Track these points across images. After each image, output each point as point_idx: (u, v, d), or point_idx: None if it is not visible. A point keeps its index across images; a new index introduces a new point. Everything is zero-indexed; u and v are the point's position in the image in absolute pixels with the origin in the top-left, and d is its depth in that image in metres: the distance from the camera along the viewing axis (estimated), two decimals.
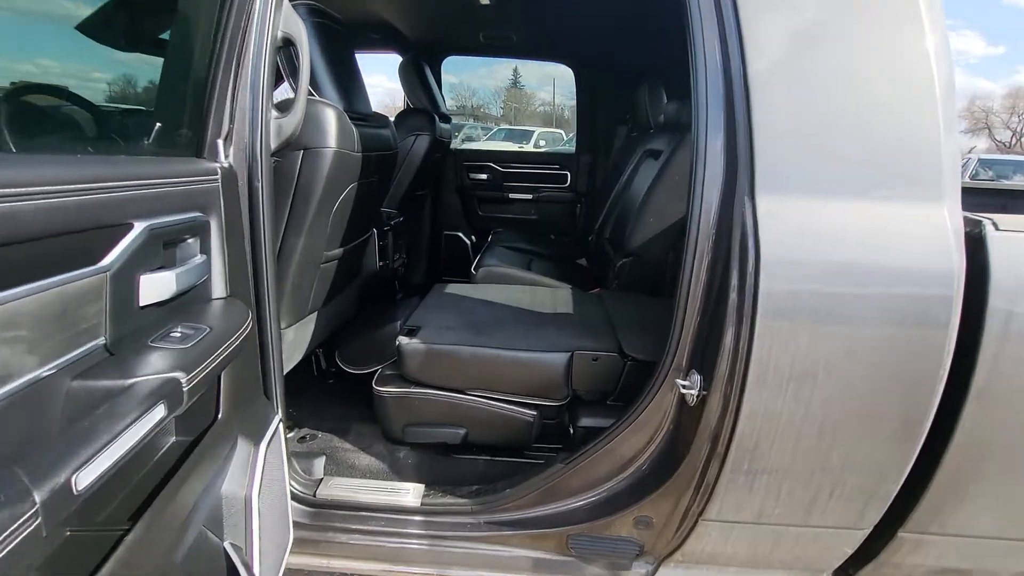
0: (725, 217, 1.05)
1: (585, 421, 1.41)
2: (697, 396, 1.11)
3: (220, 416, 0.80)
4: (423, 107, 2.45)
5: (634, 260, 1.87)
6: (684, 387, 1.13)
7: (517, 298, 1.73)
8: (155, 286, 0.67)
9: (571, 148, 3.28)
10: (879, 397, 1.01)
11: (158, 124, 0.88)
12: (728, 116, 1.04)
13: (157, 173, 0.72)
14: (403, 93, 2.60)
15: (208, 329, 0.74)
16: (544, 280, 1.95)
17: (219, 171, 0.87)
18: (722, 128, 1.05)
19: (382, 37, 2.57)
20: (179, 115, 0.91)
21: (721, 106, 1.05)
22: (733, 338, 1.02)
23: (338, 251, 1.54)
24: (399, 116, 2.35)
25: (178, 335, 0.69)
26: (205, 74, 0.91)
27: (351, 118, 1.41)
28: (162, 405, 0.58)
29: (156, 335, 0.68)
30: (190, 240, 0.79)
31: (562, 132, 16.23)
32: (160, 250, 0.70)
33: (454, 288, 1.82)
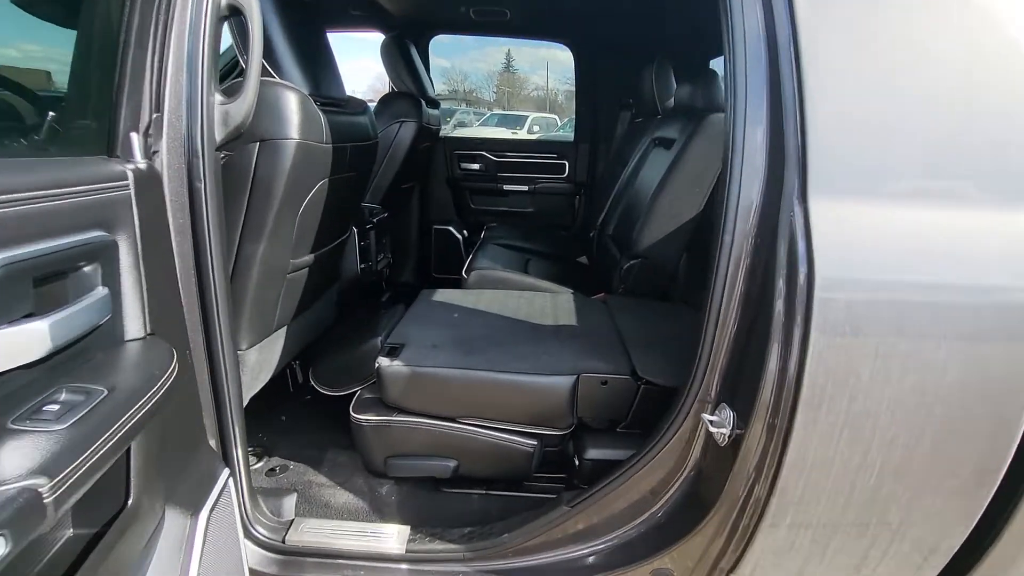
0: (768, 221, 0.87)
1: (592, 452, 1.23)
2: (729, 436, 0.94)
3: (131, 500, 0.61)
4: (408, 91, 2.24)
5: (643, 263, 1.69)
6: (712, 423, 0.95)
7: (513, 307, 1.54)
8: (14, 345, 0.48)
9: (569, 135, 3.07)
10: (952, 441, 0.84)
11: (51, 114, 0.68)
12: (772, 97, 0.86)
13: (27, 184, 0.53)
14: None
15: (105, 392, 0.55)
16: (543, 284, 1.76)
17: (131, 174, 0.67)
18: (765, 113, 0.86)
19: (362, 13, 2.34)
20: (82, 102, 0.71)
21: (763, 84, 0.87)
22: (778, 369, 0.84)
23: (309, 257, 1.34)
24: (381, 102, 2.14)
25: (55, 408, 0.50)
26: (115, 49, 0.70)
27: (320, 104, 1.21)
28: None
29: (23, 411, 0.49)
30: (86, 269, 0.60)
31: (556, 117, 15.90)
32: (27, 291, 0.51)
33: (443, 295, 1.63)
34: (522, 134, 11.98)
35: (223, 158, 1.07)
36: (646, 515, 1.10)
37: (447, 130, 2.87)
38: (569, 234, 2.85)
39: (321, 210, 1.30)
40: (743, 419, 0.91)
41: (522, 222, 2.80)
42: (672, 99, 2.16)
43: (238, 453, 1.00)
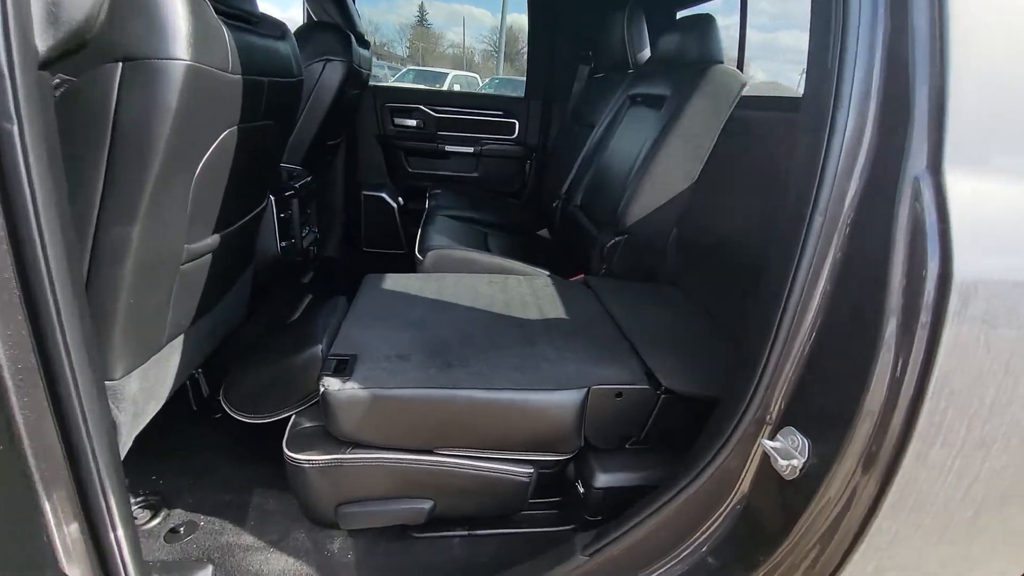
0: (875, 200, 0.66)
1: (602, 479, 1.01)
2: (801, 468, 0.74)
3: None
4: (334, 22, 1.79)
5: (628, 240, 1.46)
6: (777, 453, 0.75)
7: (487, 296, 1.26)
8: None
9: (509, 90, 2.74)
10: None
11: None
12: (892, 43, 0.64)
13: None
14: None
15: None
16: (512, 265, 1.48)
17: None
18: (879, 63, 0.65)
19: None
20: None
21: (879, 24, 0.65)
22: (886, 390, 0.65)
23: (212, 239, 0.96)
24: (299, 34, 1.68)
25: None
26: None
27: (223, 15, 0.81)
28: None
29: None
30: None
31: (477, 76, 15.24)
32: None
33: (395, 282, 1.30)
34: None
35: (60, 85, 0.67)
36: (680, 557, 0.90)
37: None
38: (521, 203, 2.57)
39: (228, 172, 0.91)
40: (822, 448, 0.72)
41: (467, 189, 2.46)
42: (646, 51, 1.92)
43: (115, 523, 0.65)
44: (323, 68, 1.68)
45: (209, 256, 0.97)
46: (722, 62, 1.43)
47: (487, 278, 1.37)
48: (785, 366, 0.75)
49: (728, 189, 1.61)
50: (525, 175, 2.64)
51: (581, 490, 1.04)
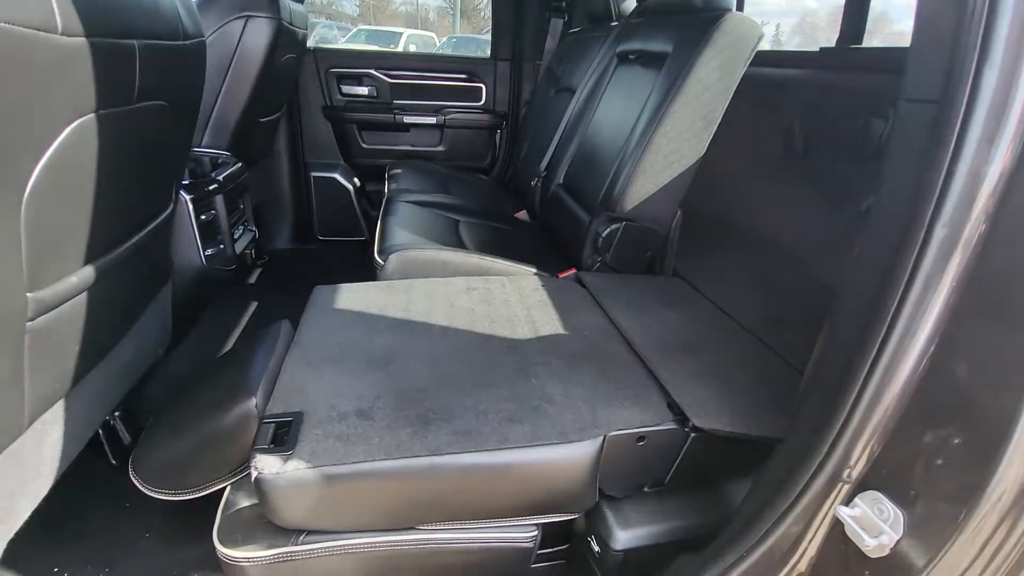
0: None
1: (623, 538, 0.82)
2: (892, 546, 0.57)
3: None
4: None
5: (627, 226, 1.25)
6: (855, 523, 0.58)
7: (466, 310, 1.03)
8: None
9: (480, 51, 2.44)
10: None
11: None
12: None
13: None
14: None
15: None
16: (492, 263, 1.25)
17: None
18: None
19: None
20: None
21: None
22: None
23: (81, 275, 0.69)
24: None
25: None
26: None
27: None
28: None
29: None
30: None
31: (433, 36, 14.41)
32: None
33: (350, 296, 1.06)
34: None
35: None
36: None
37: (311, 44, 2.08)
38: (493, 179, 2.30)
39: (93, 180, 0.64)
40: (924, 525, 0.55)
41: (431, 166, 2.18)
42: (630, 0, 1.65)
43: None
44: (244, 26, 1.36)
45: (83, 296, 0.70)
46: (731, 9, 1.19)
47: (464, 283, 1.14)
48: (876, 412, 0.56)
49: (741, 163, 1.40)
50: (496, 147, 2.36)
51: (596, 548, 0.85)
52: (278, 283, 1.96)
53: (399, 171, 1.96)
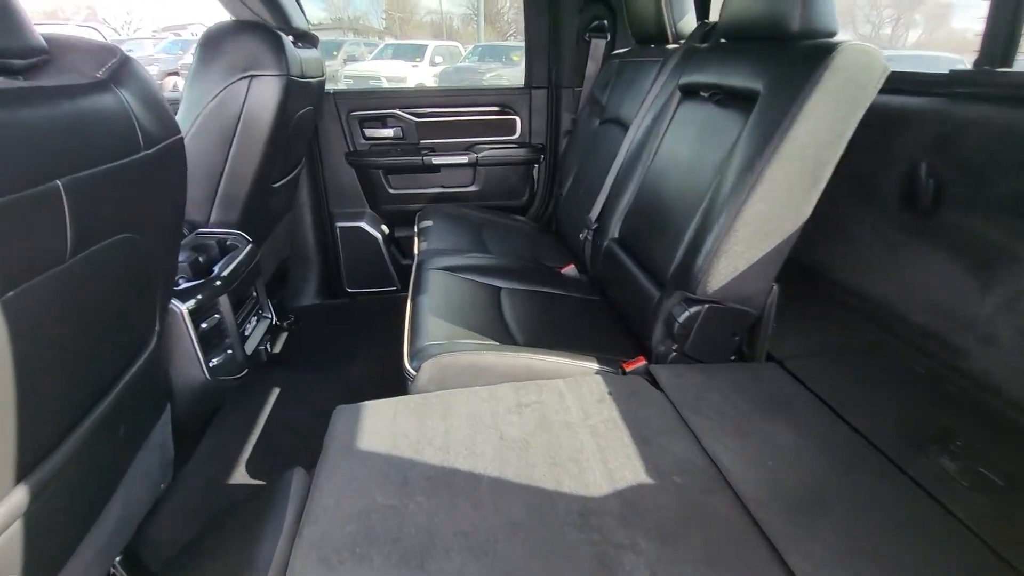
0: None
1: None
2: None
3: None
4: (258, 20, 1.29)
5: (712, 309, 1.00)
6: None
7: (519, 445, 0.81)
8: None
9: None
10: None
11: None
12: None
13: None
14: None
15: None
16: (544, 361, 1.02)
17: None
18: None
19: None
20: None
21: None
22: None
23: (12, 502, 0.51)
24: (205, 45, 1.18)
25: None
26: None
27: None
28: None
29: None
30: None
31: (459, 45, 14.32)
32: None
33: (375, 428, 0.86)
34: (424, 66, 10.55)
35: None
36: None
37: (335, 66, 1.92)
38: (529, 218, 2.09)
39: (28, 369, 0.46)
40: None
41: (463, 209, 1.98)
42: (688, 17, 1.41)
43: None
44: (248, 88, 1.19)
45: (20, 522, 0.52)
46: (839, 36, 0.94)
47: (513, 395, 0.92)
48: None
49: (849, 215, 1.14)
50: (533, 182, 2.15)
51: None
52: (305, 350, 1.80)
53: (429, 223, 1.76)
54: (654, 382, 0.99)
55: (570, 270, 1.57)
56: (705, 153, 1.08)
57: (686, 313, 1.01)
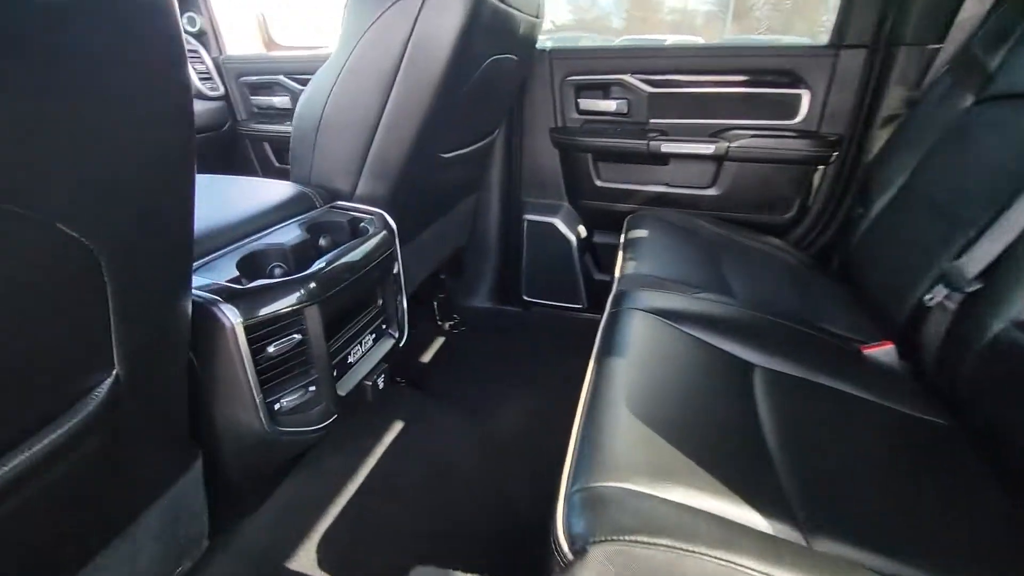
0: None
1: None
2: None
3: None
4: None
5: None
6: None
7: None
8: None
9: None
10: None
11: None
12: None
13: None
14: None
15: None
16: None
17: None
18: None
19: None
20: None
21: None
22: None
23: None
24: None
25: None
26: None
27: None
28: None
29: None
30: None
31: (699, 39, 13.12)
32: None
33: None
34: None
35: None
36: None
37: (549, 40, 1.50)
38: (791, 246, 1.39)
39: None
40: None
41: (692, 219, 1.39)
42: None
43: None
44: (418, 11, 0.81)
45: None
46: None
47: None
48: None
49: None
50: (807, 192, 1.44)
51: None
52: (455, 365, 1.45)
53: (642, 233, 1.23)
54: None
55: (884, 353, 0.88)
56: None
57: None
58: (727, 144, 1.41)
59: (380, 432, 1.06)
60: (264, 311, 0.61)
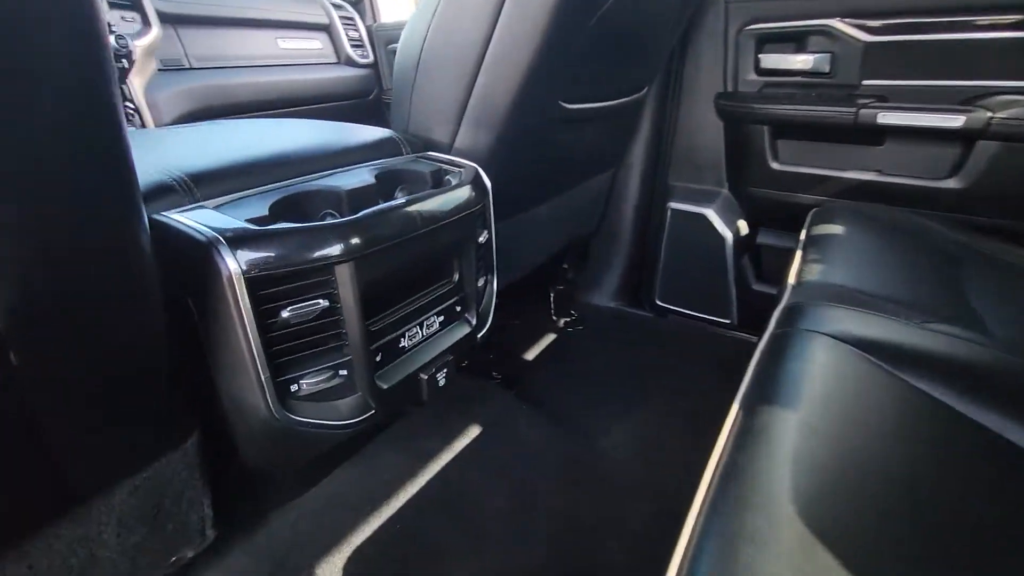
0: None
1: None
2: None
3: None
4: None
5: None
6: None
7: None
8: None
9: None
10: None
11: None
12: None
13: None
14: None
15: None
16: None
17: None
18: None
19: None
20: None
21: None
22: None
23: None
24: None
25: None
26: None
27: None
28: None
29: None
30: None
31: None
32: None
33: None
34: None
35: None
36: None
37: None
38: None
39: None
40: None
41: (913, 220, 0.98)
42: None
43: None
44: None
45: None
46: None
47: None
48: None
49: None
50: None
51: None
52: (567, 372, 1.23)
53: (836, 229, 0.88)
54: None
55: None
56: None
57: None
58: (987, 114, 0.97)
59: (452, 434, 0.90)
60: (278, 263, 0.47)
